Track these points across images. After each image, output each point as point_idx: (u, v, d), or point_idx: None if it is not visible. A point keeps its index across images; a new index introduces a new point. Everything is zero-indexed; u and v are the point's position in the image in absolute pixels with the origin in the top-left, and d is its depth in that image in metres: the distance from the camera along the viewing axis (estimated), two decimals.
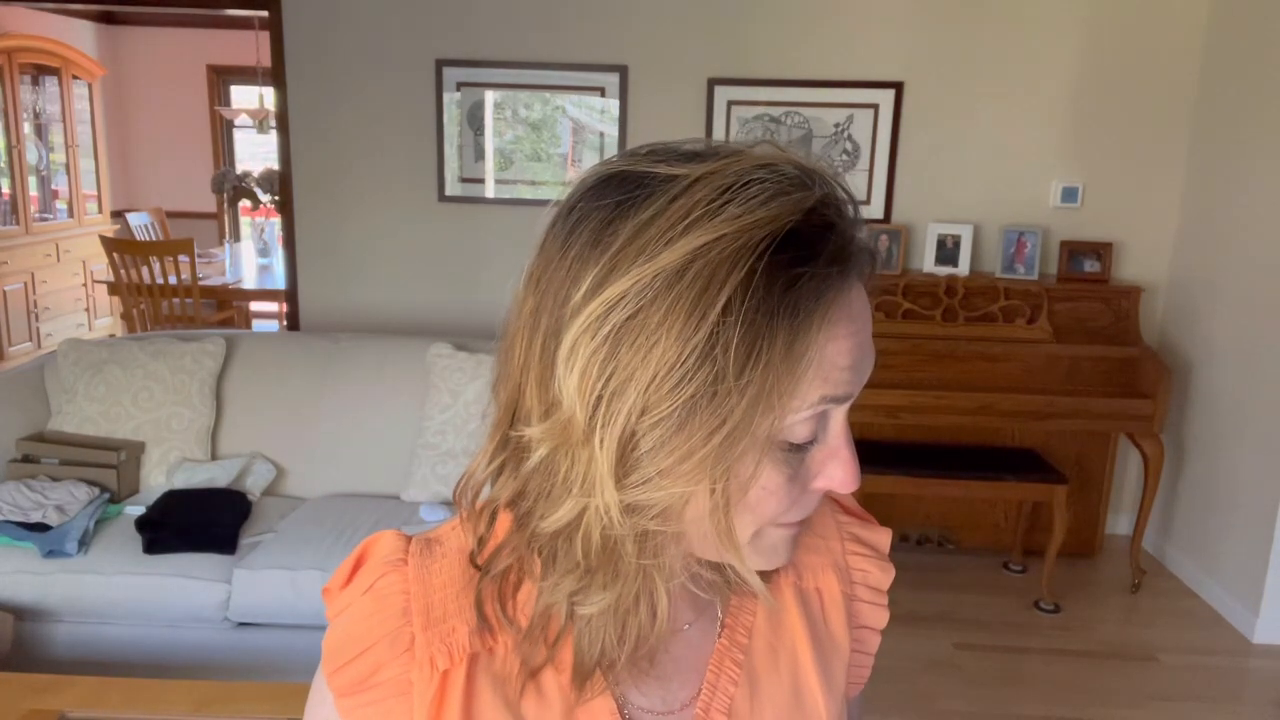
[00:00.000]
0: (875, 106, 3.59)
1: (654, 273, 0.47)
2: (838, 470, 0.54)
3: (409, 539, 0.62)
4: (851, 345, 0.51)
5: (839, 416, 0.54)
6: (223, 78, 7.51)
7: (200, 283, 4.97)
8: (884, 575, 0.70)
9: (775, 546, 0.56)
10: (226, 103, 7.47)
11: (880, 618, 0.70)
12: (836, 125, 3.62)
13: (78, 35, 6.78)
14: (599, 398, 0.49)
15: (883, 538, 0.71)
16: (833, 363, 0.50)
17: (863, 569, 0.69)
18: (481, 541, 0.59)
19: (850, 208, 0.53)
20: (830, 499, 0.71)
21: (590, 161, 3.70)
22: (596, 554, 0.53)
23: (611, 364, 0.48)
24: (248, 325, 6.09)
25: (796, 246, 0.49)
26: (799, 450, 0.53)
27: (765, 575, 0.65)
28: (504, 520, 0.59)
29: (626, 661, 0.58)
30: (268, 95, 5.60)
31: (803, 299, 0.48)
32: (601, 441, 0.49)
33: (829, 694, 0.64)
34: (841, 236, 0.51)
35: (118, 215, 6.73)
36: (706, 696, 0.62)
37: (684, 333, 0.47)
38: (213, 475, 2.77)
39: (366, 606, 0.59)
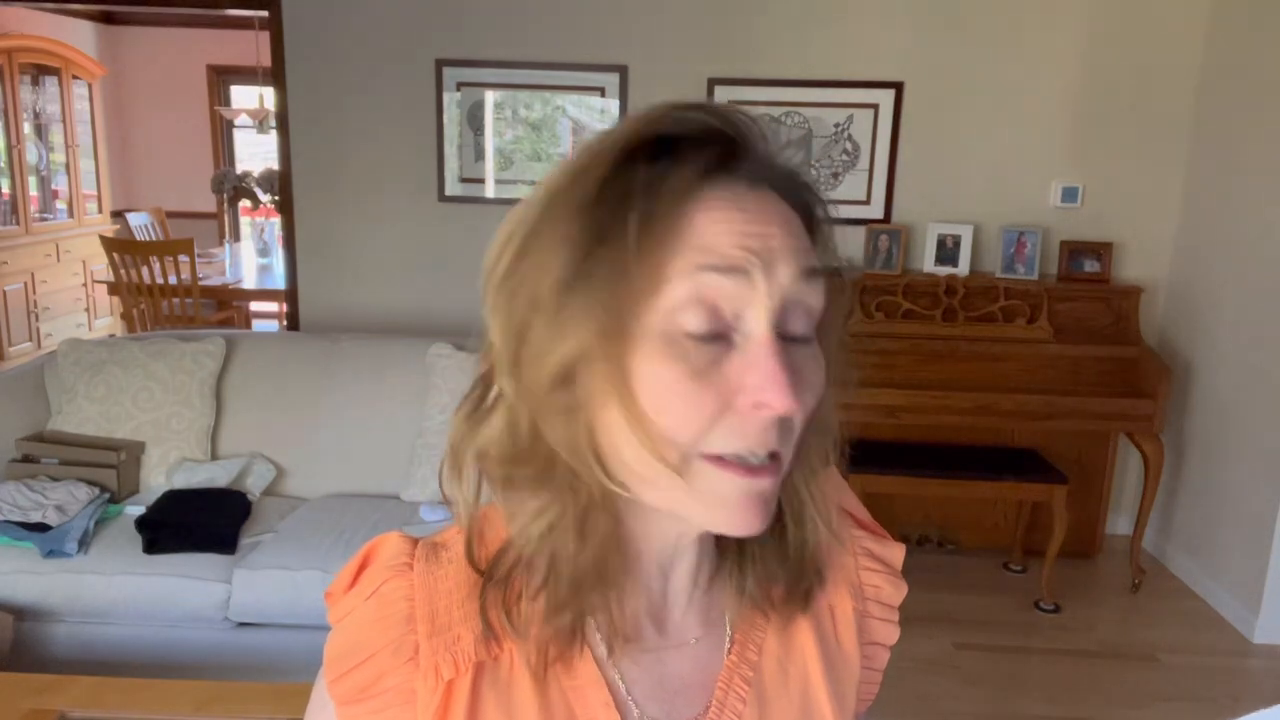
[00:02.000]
0: (875, 106, 3.59)
1: (546, 187, 0.54)
2: (756, 377, 0.50)
3: (415, 542, 0.61)
4: (738, 229, 0.51)
5: (758, 324, 0.51)
6: (223, 78, 7.51)
7: (200, 283, 4.97)
8: (896, 591, 0.68)
9: (718, 491, 0.52)
10: (226, 103, 7.46)
11: (891, 634, 0.69)
12: (836, 125, 3.62)
13: (78, 35, 6.78)
14: (506, 304, 0.54)
15: (896, 553, 0.69)
16: (712, 241, 0.50)
17: (875, 585, 0.68)
18: (473, 522, 0.58)
19: (755, 130, 0.54)
20: (845, 512, 0.68)
21: None
22: (525, 452, 0.54)
23: (513, 277, 0.54)
24: (248, 325, 6.09)
25: (671, 146, 0.52)
26: (704, 346, 0.50)
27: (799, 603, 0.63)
28: (498, 521, 0.58)
29: (603, 602, 0.57)
30: (268, 95, 5.60)
31: (669, 180, 0.51)
32: (503, 336, 0.54)
33: (839, 713, 0.63)
34: (722, 138, 0.53)
35: (118, 215, 6.73)
36: (715, 713, 0.61)
37: (560, 226, 0.51)
38: (213, 475, 2.77)
39: (370, 613, 0.58)
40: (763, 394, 0.50)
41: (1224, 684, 2.84)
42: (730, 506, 0.52)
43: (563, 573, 0.55)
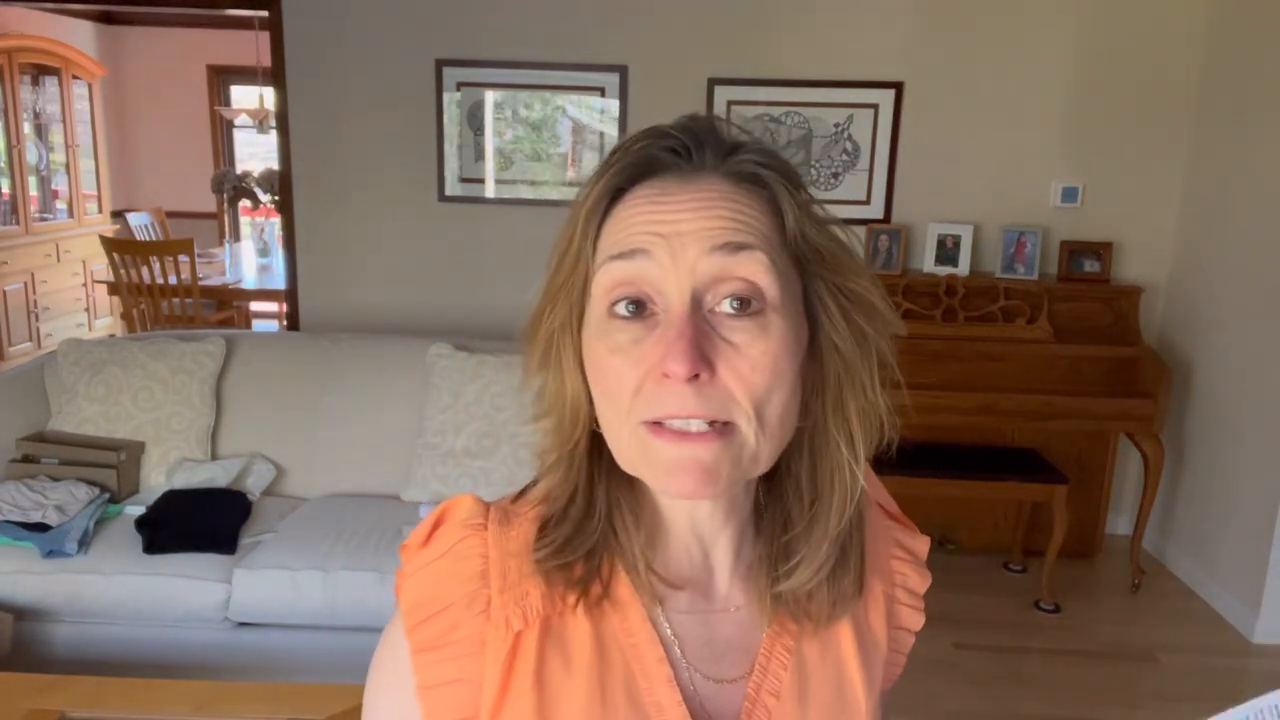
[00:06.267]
0: (875, 106, 3.59)
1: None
2: (661, 348, 0.55)
3: (488, 505, 0.66)
4: (648, 218, 0.57)
5: (670, 298, 0.56)
6: (223, 78, 7.51)
7: (200, 283, 4.97)
8: (921, 580, 0.73)
9: (660, 456, 0.56)
10: (226, 103, 7.46)
11: (916, 620, 0.73)
12: (836, 125, 3.62)
13: (78, 35, 6.78)
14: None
15: (922, 545, 0.74)
16: (621, 234, 0.57)
17: (903, 572, 0.72)
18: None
19: (708, 130, 0.60)
20: (876, 503, 0.72)
21: (590, 161, 3.70)
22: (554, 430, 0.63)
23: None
24: (248, 325, 6.09)
25: (620, 165, 0.60)
26: (630, 326, 0.56)
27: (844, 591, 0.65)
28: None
29: (634, 560, 0.62)
30: (268, 95, 5.60)
31: (596, 189, 0.59)
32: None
33: (869, 689, 0.67)
34: (650, 144, 0.59)
35: (118, 215, 6.73)
36: (758, 677, 0.64)
37: (560, 234, 0.61)
38: (213, 475, 2.77)
39: (447, 567, 0.63)
40: (665, 363, 0.54)
41: (1224, 684, 2.84)
42: (669, 471, 0.56)
43: (569, 528, 0.62)
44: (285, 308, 4.21)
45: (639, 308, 0.57)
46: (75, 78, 6.37)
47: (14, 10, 5.99)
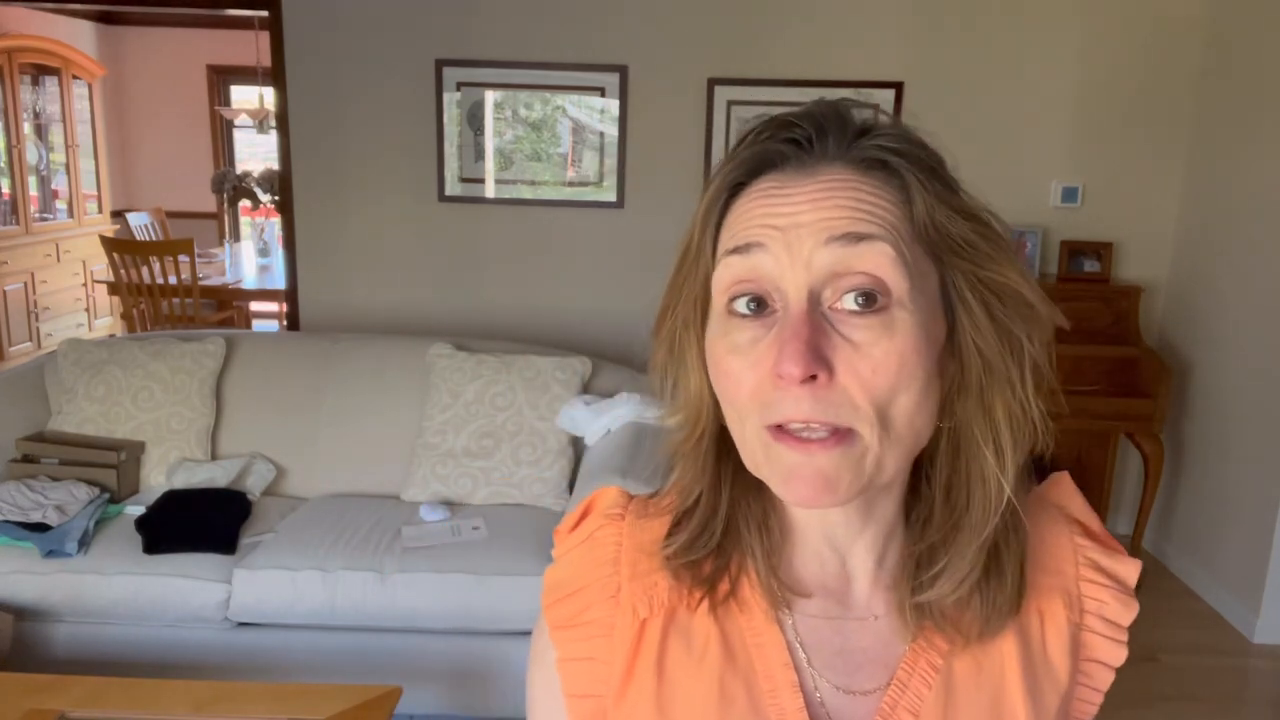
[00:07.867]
0: (875, 107, 3.58)
1: None
2: (776, 349, 0.52)
3: (630, 496, 0.68)
4: (766, 210, 0.55)
5: (788, 296, 0.53)
6: (223, 78, 7.51)
7: (200, 283, 4.97)
8: (1124, 610, 0.65)
9: (782, 462, 0.53)
10: (226, 103, 7.46)
11: (1116, 654, 0.65)
12: None
13: (78, 35, 6.78)
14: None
15: (1129, 569, 0.65)
16: (739, 227, 0.56)
17: (1099, 599, 0.64)
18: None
19: (830, 117, 0.58)
20: (1074, 522, 0.67)
21: (590, 161, 3.70)
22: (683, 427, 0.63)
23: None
24: (248, 325, 6.08)
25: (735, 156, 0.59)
26: (748, 324, 0.55)
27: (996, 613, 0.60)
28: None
29: (761, 563, 0.61)
30: (268, 95, 5.60)
31: (715, 183, 0.58)
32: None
33: None
34: (769, 135, 0.58)
35: (118, 215, 6.74)
36: (895, 692, 0.60)
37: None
38: (213, 475, 2.77)
39: (585, 553, 0.66)
40: (779, 364, 0.52)
41: (1224, 684, 2.84)
42: (787, 478, 0.54)
43: (696, 526, 0.62)
44: (285, 308, 4.21)
45: (759, 305, 0.54)
46: (75, 78, 6.37)
47: (14, 10, 5.99)
